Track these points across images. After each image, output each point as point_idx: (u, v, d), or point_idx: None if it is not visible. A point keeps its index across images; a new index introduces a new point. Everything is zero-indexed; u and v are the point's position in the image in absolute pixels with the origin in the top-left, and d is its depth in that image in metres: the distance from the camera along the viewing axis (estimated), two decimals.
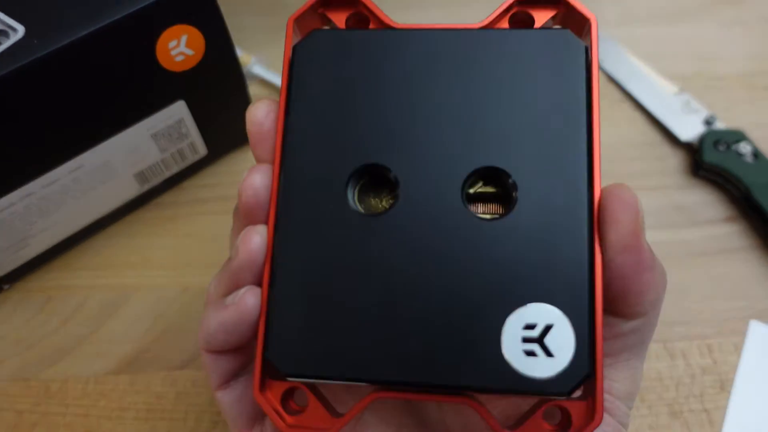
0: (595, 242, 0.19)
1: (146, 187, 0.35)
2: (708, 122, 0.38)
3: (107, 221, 0.35)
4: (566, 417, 0.19)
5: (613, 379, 0.21)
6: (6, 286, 0.34)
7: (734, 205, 0.36)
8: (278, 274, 0.20)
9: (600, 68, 0.42)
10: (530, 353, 0.18)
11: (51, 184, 0.30)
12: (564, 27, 0.21)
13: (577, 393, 0.18)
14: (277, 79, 0.41)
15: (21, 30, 0.27)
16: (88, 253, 0.35)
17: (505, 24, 0.22)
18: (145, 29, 0.28)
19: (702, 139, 0.37)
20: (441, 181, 0.20)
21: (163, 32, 0.29)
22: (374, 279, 0.20)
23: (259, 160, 0.21)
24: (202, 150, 0.36)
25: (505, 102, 0.20)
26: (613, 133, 0.39)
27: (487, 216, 0.20)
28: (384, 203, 0.21)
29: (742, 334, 0.33)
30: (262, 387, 0.20)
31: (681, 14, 0.44)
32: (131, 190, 0.35)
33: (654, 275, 0.19)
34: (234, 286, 0.20)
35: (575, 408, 0.19)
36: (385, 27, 0.22)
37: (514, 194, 0.20)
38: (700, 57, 0.42)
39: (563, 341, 0.18)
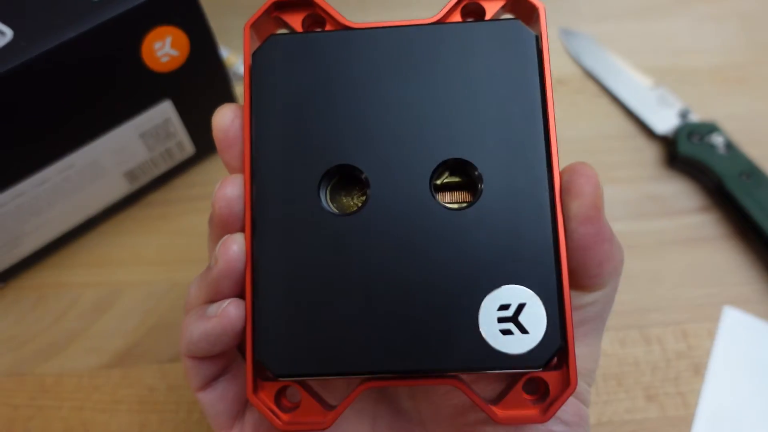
0: (559, 220, 0.20)
1: (136, 185, 0.36)
2: (682, 115, 0.40)
3: (98, 220, 0.36)
4: (544, 386, 0.20)
5: None
6: (0, 285, 0.35)
7: (708, 195, 0.38)
8: (260, 278, 0.21)
9: (578, 63, 0.43)
10: (506, 332, 0.19)
11: (42, 183, 0.31)
12: (514, 16, 0.22)
13: (552, 364, 0.20)
14: None
15: (9, 33, 0.27)
16: (79, 251, 0.36)
17: (457, 17, 0.22)
18: (131, 31, 0.29)
19: (677, 131, 0.38)
20: (408, 175, 0.21)
21: (148, 33, 0.30)
22: (353, 276, 0.20)
23: (227, 166, 0.22)
24: (189, 149, 0.37)
25: (463, 95, 0.21)
26: (591, 126, 0.40)
27: (455, 206, 0.21)
28: (355, 201, 0.22)
29: (716, 319, 0.34)
30: (255, 388, 0.21)
31: (655, 10, 0.46)
32: (121, 188, 0.35)
33: (612, 247, 0.21)
34: (215, 294, 0.21)
35: (552, 378, 0.20)
36: (342, 28, 0.22)
37: (479, 184, 0.20)
38: (674, 52, 0.44)
39: (535, 318, 0.19)
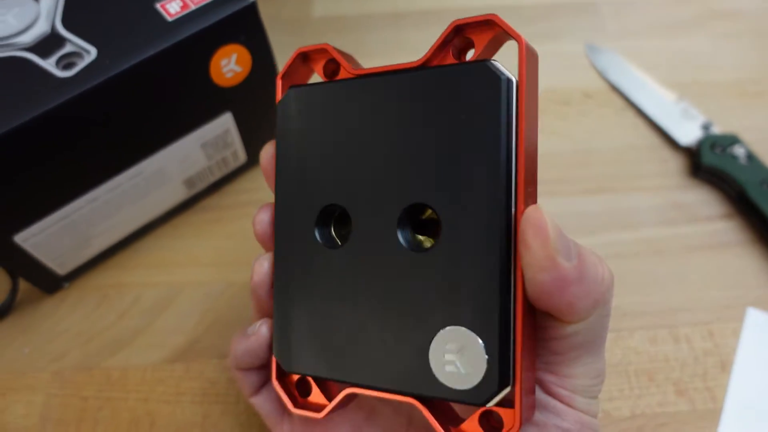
0: (515, 264, 0.20)
1: (193, 191, 0.38)
2: (705, 127, 0.42)
3: (157, 223, 0.38)
4: (497, 421, 0.21)
5: (568, 375, 0.23)
6: (65, 284, 0.37)
7: (730, 203, 0.40)
8: (276, 295, 0.26)
9: (604, 78, 0.45)
10: (453, 368, 0.21)
11: (114, 189, 0.33)
12: (493, 47, 0.22)
13: (496, 400, 0.20)
14: None
15: (94, 52, 0.30)
16: (139, 253, 0.38)
17: (448, 53, 0.22)
18: (202, 49, 0.31)
19: (700, 143, 0.41)
20: (380, 218, 0.23)
21: (217, 51, 0.32)
22: (337, 301, 0.24)
23: (271, 189, 0.27)
24: (242, 157, 0.39)
25: (431, 141, 0.21)
26: (618, 138, 0.43)
27: (429, 243, 0.23)
28: (345, 234, 0.25)
29: (740, 320, 0.36)
30: (280, 377, 0.26)
31: (677, 27, 0.48)
32: (180, 194, 0.38)
33: (583, 286, 0.20)
34: (255, 301, 0.27)
35: (506, 414, 0.21)
36: (349, 75, 0.25)
37: (438, 227, 0.22)
38: (695, 67, 0.46)
39: (476, 359, 0.20)
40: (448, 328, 0.21)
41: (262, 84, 0.35)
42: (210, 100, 0.34)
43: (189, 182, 0.37)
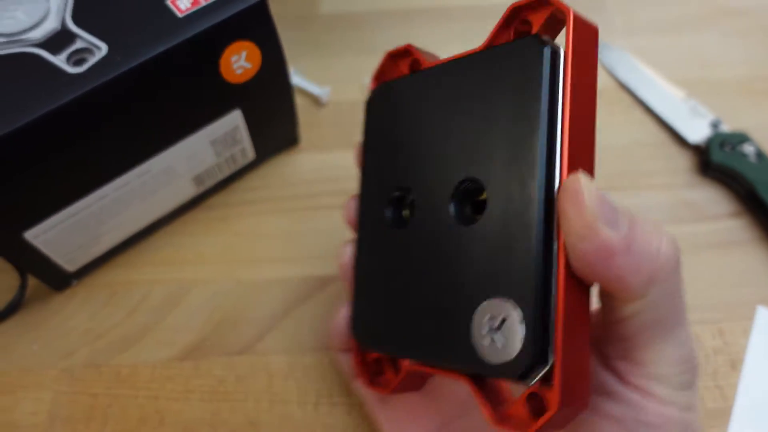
0: (555, 236, 0.20)
1: (201, 189, 0.38)
2: (714, 125, 0.42)
3: (165, 221, 0.38)
4: (540, 403, 0.20)
5: (641, 362, 0.21)
6: (74, 282, 0.37)
7: (739, 201, 0.40)
8: (354, 276, 0.28)
9: (612, 75, 0.45)
10: (491, 342, 0.20)
11: (123, 186, 0.33)
12: (552, 26, 0.22)
13: (531, 380, 0.20)
14: (312, 87, 0.44)
15: (104, 48, 0.29)
16: (148, 250, 0.38)
17: (510, 34, 0.23)
18: (213, 45, 0.31)
19: (709, 141, 0.41)
20: (437, 195, 0.24)
21: (228, 48, 0.32)
22: (398, 279, 0.25)
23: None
24: (251, 154, 0.39)
25: (485, 117, 0.22)
26: (626, 135, 0.43)
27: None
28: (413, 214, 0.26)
29: (750, 318, 0.36)
30: (361, 357, 0.29)
31: (685, 24, 0.48)
32: (188, 191, 0.38)
33: (631, 258, 0.19)
34: (346, 285, 0.29)
35: (552, 395, 0.20)
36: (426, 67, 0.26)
37: (486, 201, 0.22)
38: (704, 64, 0.46)
39: (513, 332, 0.20)
40: (488, 300, 0.21)
41: (271, 80, 0.35)
42: (220, 97, 0.34)
43: (198, 180, 0.37)
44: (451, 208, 0.23)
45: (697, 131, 0.42)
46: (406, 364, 0.26)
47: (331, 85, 0.44)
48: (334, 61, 0.46)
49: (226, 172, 0.39)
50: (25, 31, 0.30)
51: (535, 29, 0.22)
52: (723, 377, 0.34)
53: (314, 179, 0.41)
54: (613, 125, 0.43)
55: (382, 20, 0.49)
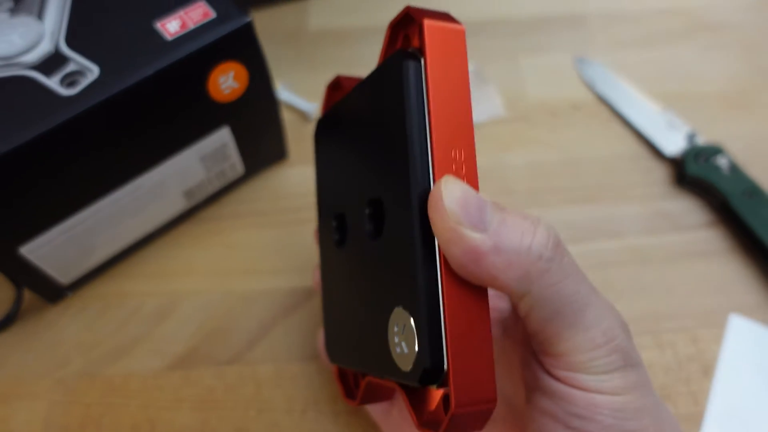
0: (436, 244, 0.20)
1: (192, 203, 0.39)
2: (689, 138, 0.43)
3: (157, 234, 0.39)
4: (447, 404, 0.20)
5: (558, 354, 0.21)
6: (68, 294, 0.38)
7: (714, 212, 0.41)
8: (323, 294, 0.30)
9: (591, 89, 0.47)
10: (399, 350, 0.21)
11: (116, 201, 0.34)
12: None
13: (438, 381, 0.20)
14: (300, 102, 0.45)
15: (96, 70, 0.31)
16: (139, 263, 0.40)
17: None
18: (200, 67, 0.32)
19: (685, 153, 0.42)
20: (357, 214, 0.25)
21: (215, 69, 0.33)
22: (342, 296, 0.27)
23: None
24: (240, 169, 0.40)
25: (375, 140, 0.23)
26: (605, 148, 0.44)
27: None
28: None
29: (723, 326, 0.37)
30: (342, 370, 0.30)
31: (663, 40, 0.49)
32: (179, 205, 0.39)
33: (501, 257, 0.19)
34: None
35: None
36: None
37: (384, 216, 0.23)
38: (682, 78, 0.47)
39: (412, 339, 0.20)
40: (394, 309, 0.21)
41: (258, 98, 0.37)
42: (208, 115, 0.35)
43: (188, 194, 0.38)
44: (367, 226, 0.24)
45: (673, 144, 0.43)
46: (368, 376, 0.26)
47: (319, 101, 0.46)
48: (322, 76, 0.47)
49: (216, 186, 0.40)
50: (20, 54, 0.31)
51: (415, 43, 0.21)
52: (696, 383, 0.35)
53: (302, 192, 0.42)
54: (591, 138, 0.44)
55: (368, 36, 0.50)
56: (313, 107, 0.45)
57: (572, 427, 0.21)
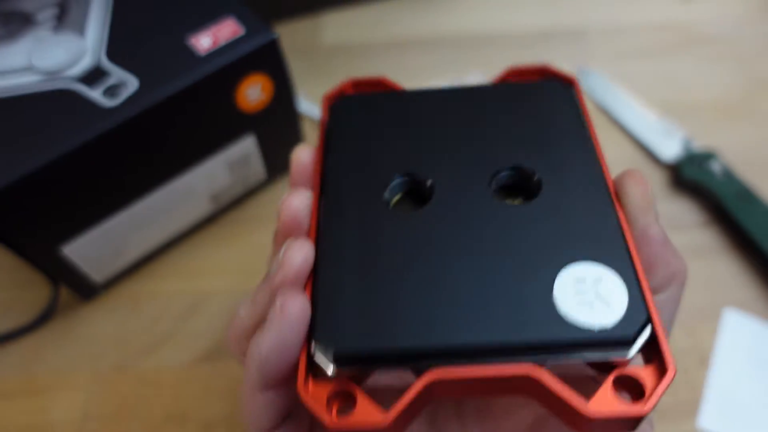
0: (619, 212, 0.22)
1: (217, 206, 0.42)
2: (685, 144, 0.46)
3: (184, 236, 0.42)
4: (637, 384, 0.18)
5: None
6: (102, 292, 0.40)
7: (709, 213, 0.43)
8: (323, 270, 0.21)
9: (591, 98, 0.49)
10: (585, 305, 0.19)
11: (148, 205, 0.37)
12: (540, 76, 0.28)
13: (634, 349, 0.19)
14: (317, 111, 0.48)
15: (136, 83, 0.33)
16: (167, 263, 0.42)
17: (513, 79, 0.28)
18: (230, 79, 0.35)
19: (680, 158, 0.44)
20: (470, 181, 0.23)
21: (243, 81, 0.36)
22: (419, 261, 0.21)
23: (295, 186, 0.25)
24: (262, 174, 0.43)
25: (524, 126, 0.25)
26: (605, 153, 0.46)
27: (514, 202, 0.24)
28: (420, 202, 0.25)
29: (718, 319, 0.39)
30: (306, 384, 0.20)
31: (661, 51, 0.52)
32: (205, 209, 0.41)
33: (665, 250, 0.21)
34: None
35: (644, 372, 0.19)
36: (397, 91, 0.28)
37: (537, 187, 0.23)
38: (678, 88, 0.50)
39: (615, 292, 0.19)
40: (575, 264, 0.20)
41: (281, 108, 0.39)
42: (236, 124, 0.38)
43: (214, 198, 0.41)
44: (496, 193, 0.24)
45: (669, 149, 0.45)
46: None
47: None
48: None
49: (240, 190, 0.42)
50: (64, 68, 0.34)
51: (532, 79, 0.28)
52: (693, 372, 0.37)
53: None
54: None
55: (378, 50, 0.53)
56: None
57: None
